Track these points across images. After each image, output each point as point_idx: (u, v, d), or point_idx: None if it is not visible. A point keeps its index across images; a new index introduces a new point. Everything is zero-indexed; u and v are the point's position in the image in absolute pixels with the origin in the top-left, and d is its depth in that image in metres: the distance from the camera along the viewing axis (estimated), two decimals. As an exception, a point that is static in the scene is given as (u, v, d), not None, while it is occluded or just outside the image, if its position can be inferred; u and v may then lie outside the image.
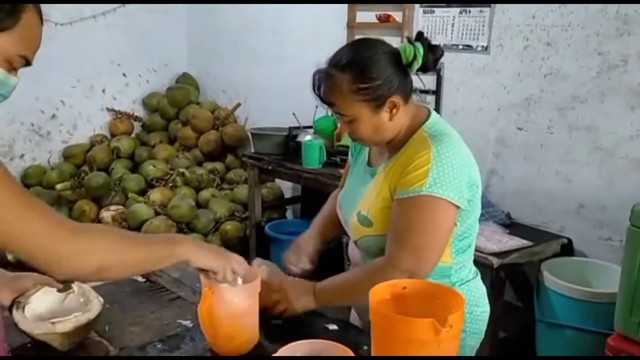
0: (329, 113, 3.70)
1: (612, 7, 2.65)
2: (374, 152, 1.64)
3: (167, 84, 5.04)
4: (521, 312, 2.90)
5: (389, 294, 1.27)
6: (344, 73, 1.44)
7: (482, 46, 3.15)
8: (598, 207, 2.79)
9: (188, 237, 1.37)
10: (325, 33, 3.85)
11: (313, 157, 3.50)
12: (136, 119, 4.96)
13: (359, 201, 1.57)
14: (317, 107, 3.60)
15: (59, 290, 1.47)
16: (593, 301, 2.47)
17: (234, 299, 1.38)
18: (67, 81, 4.62)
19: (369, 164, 1.64)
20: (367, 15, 3.66)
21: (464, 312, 1.19)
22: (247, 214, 4.09)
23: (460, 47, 3.23)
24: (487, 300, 1.64)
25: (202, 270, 1.32)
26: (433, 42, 1.52)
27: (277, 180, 4.35)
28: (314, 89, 1.51)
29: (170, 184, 4.30)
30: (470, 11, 3.19)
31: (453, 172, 1.42)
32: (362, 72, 1.43)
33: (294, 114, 3.81)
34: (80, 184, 4.26)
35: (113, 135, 4.84)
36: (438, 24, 3.33)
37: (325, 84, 1.48)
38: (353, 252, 1.67)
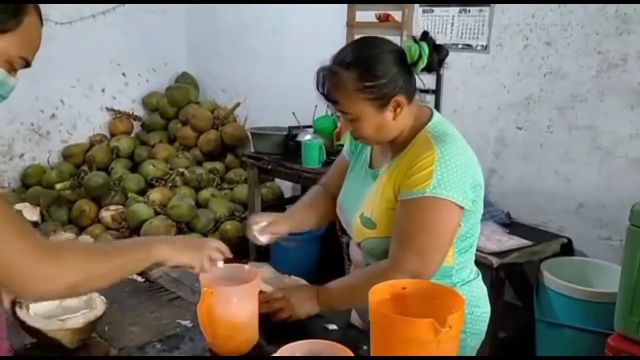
0: (329, 112, 3.70)
1: (612, 6, 2.65)
2: (376, 152, 1.63)
3: (167, 83, 5.04)
4: (521, 311, 2.90)
5: (389, 294, 1.27)
6: (349, 71, 1.43)
7: (482, 45, 3.15)
8: (598, 206, 2.79)
9: (161, 238, 1.36)
10: (325, 32, 3.85)
11: (313, 157, 3.50)
12: (136, 118, 4.96)
13: (361, 203, 1.56)
14: (316, 106, 3.60)
15: None
16: (593, 301, 2.47)
17: (233, 299, 1.38)
18: (67, 81, 4.62)
19: (371, 165, 1.62)
20: (366, 14, 3.66)
21: (464, 313, 1.19)
22: (247, 214, 4.09)
23: (460, 46, 3.22)
24: (487, 301, 1.64)
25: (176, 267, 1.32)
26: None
27: (277, 180, 4.34)
28: (317, 86, 1.49)
29: (170, 184, 4.30)
30: (469, 10, 3.18)
31: (457, 173, 1.41)
32: (367, 70, 1.42)
33: (293, 113, 3.81)
34: (79, 184, 4.26)
35: (113, 135, 4.84)
36: (437, 24, 3.33)
37: (330, 81, 1.46)
38: (354, 252, 1.67)
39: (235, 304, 1.38)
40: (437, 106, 3.28)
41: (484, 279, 1.67)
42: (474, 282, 1.60)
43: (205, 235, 4.02)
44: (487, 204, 2.97)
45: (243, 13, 4.57)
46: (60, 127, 4.69)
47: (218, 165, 4.60)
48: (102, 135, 4.81)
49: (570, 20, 2.80)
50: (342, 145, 3.36)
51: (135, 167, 4.57)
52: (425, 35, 1.49)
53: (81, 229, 4.08)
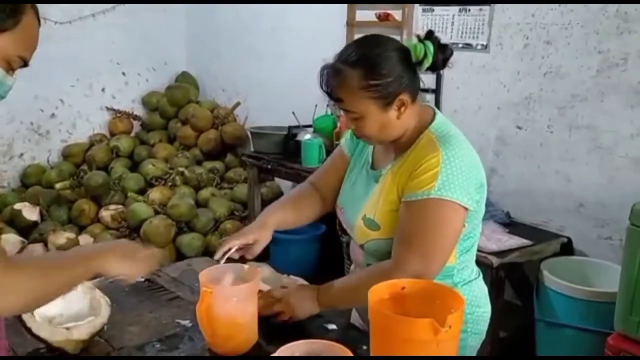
0: (329, 112, 3.69)
1: (612, 6, 2.65)
2: (378, 153, 1.62)
3: (167, 82, 5.03)
4: (521, 311, 2.90)
5: (388, 293, 1.27)
6: (354, 69, 1.41)
7: (482, 45, 3.15)
8: (598, 206, 2.79)
9: (100, 248, 1.32)
10: (325, 32, 3.84)
11: (312, 156, 3.50)
12: (135, 118, 4.96)
13: (363, 205, 1.56)
14: (316, 106, 3.60)
15: None
16: (593, 300, 2.47)
17: (232, 298, 1.38)
18: (67, 80, 4.61)
19: (372, 166, 1.61)
20: (366, 13, 3.66)
21: (463, 312, 1.19)
22: (247, 213, 4.09)
23: (460, 45, 3.22)
24: (488, 301, 1.63)
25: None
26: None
27: (277, 179, 4.34)
28: (321, 84, 1.48)
29: (170, 183, 4.30)
30: (469, 10, 3.18)
31: (462, 175, 1.41)
32: (373, 68, 1.41)
33: (293, 112, 3.81)
34: (79, 183, 4.25)
35: (112, 135, 4.83)
36: (437, 23, 3.33)
37: (334, 79, 1.44)
38: (355, 252, 1.66)
39: (234, 303, 1.38)
40: (437, 105, 3.28)
41: (484, 278, 1.66)
42: (475, 282, 1.60)
43: (205, 234, 4.02)
44: (487, 203, 2.94)
45: (243, 12, 4.57)
46: (60, 126, 4.68)
47: (218, 164, 4.59)
48: (102, 135, 4.81)
49: (571, 20, 2.80)
50: (341, 145, 3.39)
51: (135, 167, 4.56)
52: (430, 34, 1.48)
53: (81, 229, 4.08)
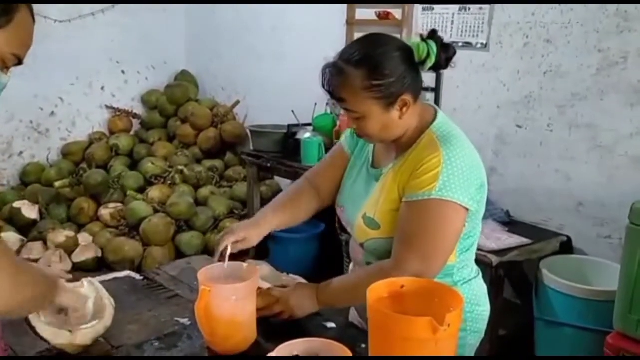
0: (328, 111, 3.69)
1: (612, 4, 2.64)
2: (379, 152, 1.61)
3: (166, 81, 5.03)
4: (520, 310, 2.90)
5: (387, 292, 1.27)
6: (357, 69, 1.40)
7: (482, 44, 3.14)
8: (597, 205, 2.79)
9: (62, 282, 1.35)
10: (324, 30, 3.84)
11: (312, 155, 3.49)
12: (135, 116, 4.96)
13: (364, 203, 1.55)
14: (316, 104, 3.60)
15: (69, 281, 1.44)
16: (592, 299, 2.47)
17: (231, 297, 1.37)
18: (66, 78, 4.61)
19: (373, 165, 1.60)
20: (366, 12, 3.65)
21: (462, 311, 1.18)
22: (246, 212, 4.09)
23: (460, 44, 3.21)
24: (488, 300, 1.63)
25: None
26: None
27: (276, 178, 4.34)
28: (323, 84, 1.46)
29: (169, 182, 4.30)
30: (469, 9, 3.18)
31: (463, 175, 1.40)
32: (376, 68, 1.39)
33: (293, 111, 3.80)
34: (79, 182, 4.25)
35: (112, 133, 4.83)
36: (437, 22, 3.33)
37: (336, 79, 1.43)
38: (354, 251, 1.66)
39: (233, 302, 1.37)
40: (437, 104, 3.27)
41: (483, 277, 1.66)
42: (474, 280, 1.60)
43: (204, 233, 4.02)
44: (486, 202, 2.97)
45: (243, 11, 4.57)
46: (60, 124, 4.68)
47: (217, 163, 4.59)
48: (102, 133, 4.81)
49: (571, 19, 2.80)
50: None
51: (134, 165, 4.56)
52: (433, 34, 1.47)
53: (80, 227, 4.08)
